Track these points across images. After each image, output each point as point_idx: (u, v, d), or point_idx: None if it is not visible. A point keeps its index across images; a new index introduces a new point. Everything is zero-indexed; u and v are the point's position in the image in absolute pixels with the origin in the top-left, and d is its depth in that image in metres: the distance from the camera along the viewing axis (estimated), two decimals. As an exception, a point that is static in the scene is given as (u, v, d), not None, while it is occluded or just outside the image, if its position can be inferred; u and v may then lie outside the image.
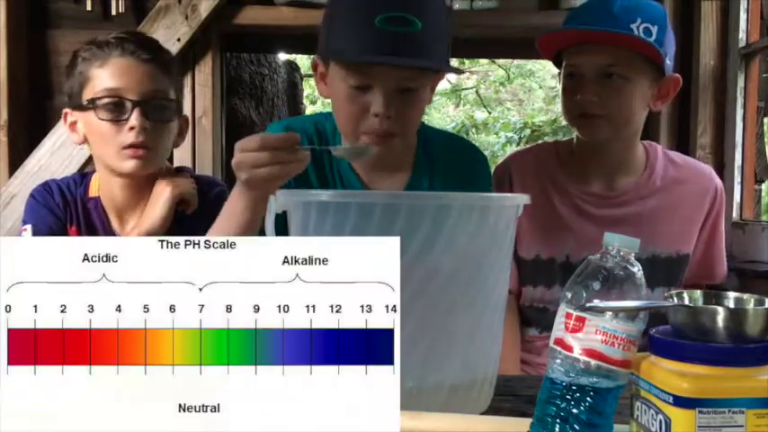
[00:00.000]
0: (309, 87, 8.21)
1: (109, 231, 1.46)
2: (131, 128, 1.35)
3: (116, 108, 1.36)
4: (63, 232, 1.45)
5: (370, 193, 1.25)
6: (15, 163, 2.29)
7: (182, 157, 2.32)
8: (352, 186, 1.29)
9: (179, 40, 2.28)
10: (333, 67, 1.19)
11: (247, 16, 2.39)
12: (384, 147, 1.18)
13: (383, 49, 1.11)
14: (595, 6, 1.36)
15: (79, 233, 1.46)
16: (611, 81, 1.33)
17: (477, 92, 9.67)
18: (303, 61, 4.79)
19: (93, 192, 1.48)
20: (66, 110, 1.45)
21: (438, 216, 0.87)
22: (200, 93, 2.41)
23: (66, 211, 1.46)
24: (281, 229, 0.94)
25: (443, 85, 9.36)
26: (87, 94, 1.38)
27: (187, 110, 2.35)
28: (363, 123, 1.17)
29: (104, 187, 1.46)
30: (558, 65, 1.45)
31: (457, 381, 0.91)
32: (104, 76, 1.37)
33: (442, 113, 9.52)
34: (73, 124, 1.44)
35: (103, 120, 1.36)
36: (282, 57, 4.04)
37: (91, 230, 1.47)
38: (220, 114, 2.56)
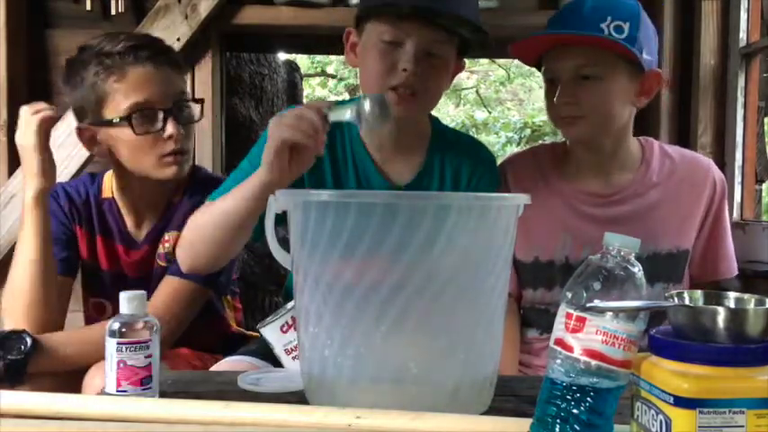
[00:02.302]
0: (309, 87, 8.20)
1: (124, 232, 1.46)
2: (169, 137, 1.34)
3: (149, 120, 1.34)
4: (70, 234, 1.45)
5: (371, 193, 1.26)
6: (15, 163, 2.28)
7: (181, 156, 2.31)
8: (366, 168, 1.33)
9: (179, 39, 2.28)
10: (368, 27, 1.28)
11: (247, 16, 2.39)
12: (404, 106, 1.25)
13: (420, 2, 1.21)
14: (568, 10, 1.38)
15: (90, 234, 1.46)
16: (586, 82, 1.34)
17: (477, 92, 9.65)
18: (303, 61, 4.79)
19: (106, 192, 1.48)
20: (82, 126, 1.40)
21: (438, 216, 0.87)
22: (199, 92, 2.40)
23: (71, 212, 1.45)
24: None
25: (443, 84, 9.33)
26: (111, 111, 1.35)
27: (187, 110, 2.35)
28: (391, 78, 1.24)
29: (123, 188, 1.45)
30: (540, 69, 1.45)
31: (457, 381, 0.91)
32: (127, 90, 1.33)
33: (442, 113, 9.50)
34: (91, 139, 1.41)
35: (141, 134, 1.34)
36: (282, 56, 4.04)
37: (106, 231, 1.47)
38: (220, 114, 2.55)
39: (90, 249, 1.46)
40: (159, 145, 1.35)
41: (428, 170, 1.36)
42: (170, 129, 1.34)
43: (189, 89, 2.32)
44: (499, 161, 1.54)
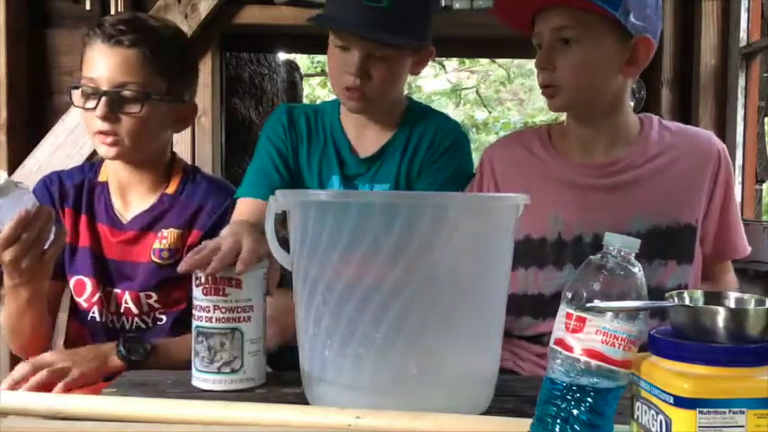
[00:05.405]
0: (309, 87, 8.20)
1: (111, 213, 1.47)
2: (98, 116, 1.36)
3: (88, 96, 1.38)
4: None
5: (371, 193, 1.27)
6: (15, 163, 2.29)
7: (181, 156, 2.31)
8: (342, 145, 1.49)
9: (179, 39, 2.28)
10: (331, 31, 1.42)
11: (247, 16, 2.39)
12: (356, 102, 1.41)
13: (354, 18, 1.35)
14: None
15: (76, 214, 1.47)
16: (565, 47, 1.26)
17: (477, 91, 9.65)
18: (303, 61, 4.78)
19: (102, 177, 1.51)
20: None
21: (438, 216, 0.87)
22: (199, 92, 2.38)
23: (60, 196, 1.48)
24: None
25: (444, 84, 9.34)
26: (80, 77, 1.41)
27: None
28: (342, 79, 1.40)
29: (109, 169, 1.49)
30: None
31: (457, 381, 0.91)
32: (86, 62, 1.39)
33: (442, 113, 9.49)
34: None
35: (77, 106, 1.39)
36: (282, 56, 4.04)
37: (92, 211, 1.48)
38: (220, 114, 2.56)
39: (72, 228, 1.48)
40: (94, 121, 1.39)
41: (392, 142, 1.48)
42: (99, 109, 1.36)
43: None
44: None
